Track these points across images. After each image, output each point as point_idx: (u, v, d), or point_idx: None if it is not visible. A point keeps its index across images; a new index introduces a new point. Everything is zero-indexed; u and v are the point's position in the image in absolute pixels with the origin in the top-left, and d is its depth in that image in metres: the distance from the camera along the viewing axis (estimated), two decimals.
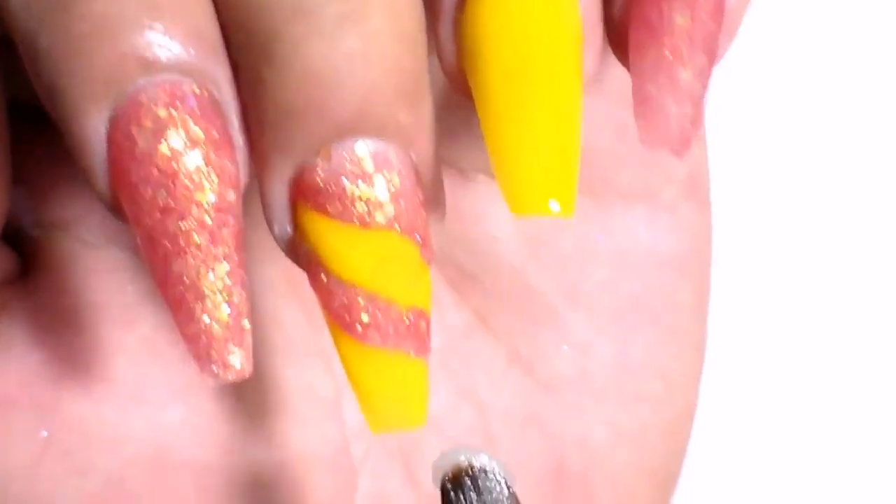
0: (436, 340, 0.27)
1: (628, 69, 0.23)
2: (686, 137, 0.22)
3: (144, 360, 0.26)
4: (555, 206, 0.22)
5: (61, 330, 0.26)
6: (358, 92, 0.21)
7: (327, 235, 0.22)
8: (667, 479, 0.29)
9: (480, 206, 0.27)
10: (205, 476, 0.26)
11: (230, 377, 0.22)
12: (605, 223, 0.28)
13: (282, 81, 0.21)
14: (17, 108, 0.25)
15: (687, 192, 0.28)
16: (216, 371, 0.22)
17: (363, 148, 0.22)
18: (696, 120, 0.23)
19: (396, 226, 0.22)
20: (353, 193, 0.22)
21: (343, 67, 0.21)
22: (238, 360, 0.22)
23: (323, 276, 0.22)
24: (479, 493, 0.23)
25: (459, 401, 0.28)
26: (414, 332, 0.22)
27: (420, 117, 0.22)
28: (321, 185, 0.22)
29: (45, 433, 0.25)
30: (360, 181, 0.22)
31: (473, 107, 0.22)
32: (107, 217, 0.26)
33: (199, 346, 0.22)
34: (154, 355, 0.26)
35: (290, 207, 0.22)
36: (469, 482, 0.23)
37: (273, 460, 0.26)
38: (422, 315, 0.22)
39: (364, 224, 0.22)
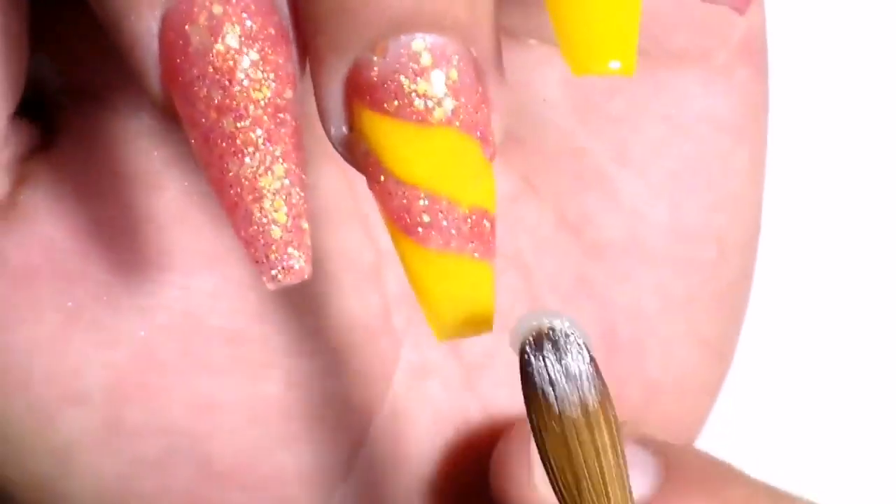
0: None
1: None
2: None
3: (173, 227, 0.25)
4: (615, 65, 0.21)
5: (87, 198, 0.25)
6: None
7: (385, 134, 0.21)
8: (721, 349, 0.29)
9: (530, 71, 0.26)
10: (238, 344, 0.25)
11: (290, 280, 0.21)
12: (658, 85, 0.27)
13: None
14: None
15: (743, 56, 0.27)
16: (275, 274, 0.21)
17: (420, 42, 0.21)
18: None
19: (456, 122, 0.21)
20: (410, 89, 0.21)
21: None
22: (298, 262, 0.21)
23: (381, 176, 0.21)
24: (559, 357, 0.22)
25: (505, 266, 0.27)
26: (478, 233, 0.21)
27: (480, 11, 0.21)
28: (377, 81, 0.21)
29: (70, 304, 0.25)
30: (417, 77, 0.21)
31: None
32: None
33: (257, 249, 0.21)
34: (183, 221, 0.25)
35: (346, 107, 0.21)
36: (550, 346, 0.22)
37: (310, 329, 0.26)
38: (485, 215, 0.21)
39: (422, 121, 0.21)
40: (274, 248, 0.21)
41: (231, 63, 0.20)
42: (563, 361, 0.22)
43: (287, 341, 0.26)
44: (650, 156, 0.27)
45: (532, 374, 0.22)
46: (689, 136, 0.27)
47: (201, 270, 0.25)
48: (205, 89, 0.20)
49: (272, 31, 0.21)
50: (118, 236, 0.25)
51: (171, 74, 0.21)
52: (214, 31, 0.20)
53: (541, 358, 0.22)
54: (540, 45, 0.26)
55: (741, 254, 0.28)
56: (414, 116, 0.21)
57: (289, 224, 0.21)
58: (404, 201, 0.21)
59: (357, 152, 0.21)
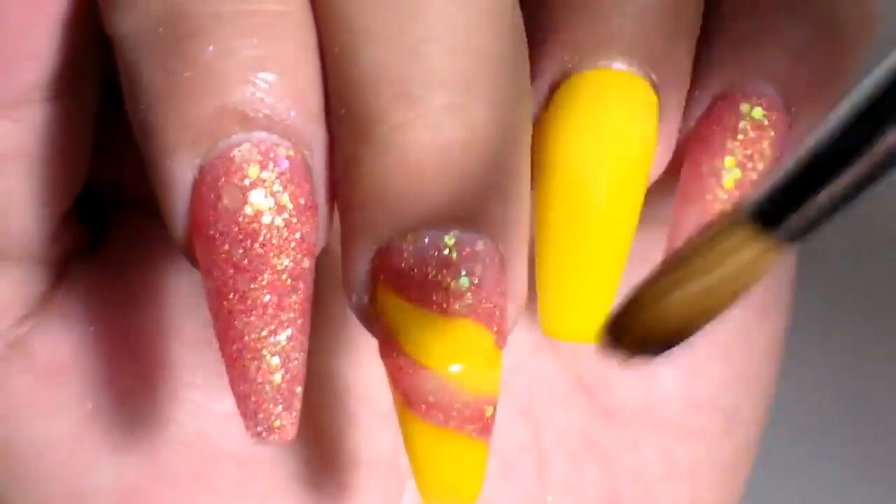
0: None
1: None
2: None
3: (202, 348, 0.25)
4: (580, 334, 0.24)
5: (122, 307, 0.25)
6: (455, 184, 0.21)
7: (405, 317, 0.21)
8: None
9: None
10: (248, 469, 0.26)
11: (273, 439, 0.22)
12: None
13: (378, 165, 0.21)
14: (105, 84, 0.24)
15: None
16: (259, 430, 0.22)
17: (451, 239, 0.21)
18: None
19: (474, 316, 0.21)
20: (435, 281, 0.21)
21: (443, 159, 0.21)
22: (284, 424, 0.22)
23: (395, 353, 0.22)
24: None
25: (517, 418, 0.27)
26: (478, 417, 0.22)
27: (513, 212, 0.22)
28: (405, 269, 0.21)
29: (91, 405, 0.25)
30: (444, 270, 0.21)
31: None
32: None
33: (247, 405, 0.22)
34: (212, 343, 0.25)
35: (371, 282, 0.22)
36: None
37: (320, 460, 0.26)
38: (489, 400, 0.22)
39: (442, 312, 0.21)
40: (263, 406, 0.21)
41: (256, 226, 0.21)
42: None
43: (296, 468, 0.26)
44: None
45: None
46: None
47: (222, 394, 0.25)
48: (227, 245, 0.21)
49: (302, 200, 0.21)
50: (146, 348, 0.25)
51: (198, 224, 0.21)
52: (246, 193, 0.21)
53: None
54: None
55: (747, 427, 0.28)
56: (435, 308, 0.21)
57: (282, 387, 0.21)
58: (413, 379, 0.22)
59: (374, 324, 0.22)
